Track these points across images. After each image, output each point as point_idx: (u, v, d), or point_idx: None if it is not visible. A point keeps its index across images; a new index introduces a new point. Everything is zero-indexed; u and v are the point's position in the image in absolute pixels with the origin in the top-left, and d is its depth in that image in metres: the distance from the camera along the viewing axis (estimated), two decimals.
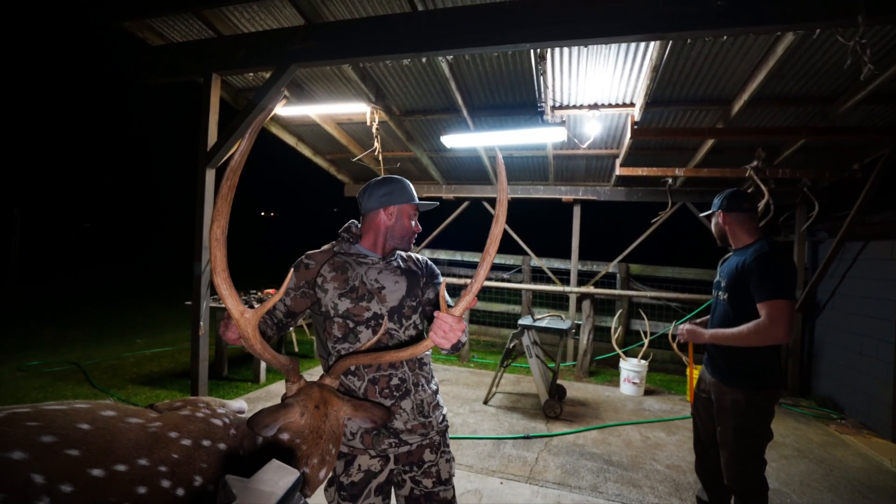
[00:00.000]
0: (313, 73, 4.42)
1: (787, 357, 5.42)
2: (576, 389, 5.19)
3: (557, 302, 7.15)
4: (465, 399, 4.69)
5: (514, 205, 6.68)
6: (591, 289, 5.87)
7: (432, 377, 1.60)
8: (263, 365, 5.02)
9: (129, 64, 3.94)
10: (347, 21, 3.27)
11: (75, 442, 0.89)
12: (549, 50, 3.49)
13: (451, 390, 4.96)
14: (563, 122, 4.28)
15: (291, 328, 1.61)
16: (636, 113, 4.09)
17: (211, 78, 3.68)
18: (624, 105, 4.24)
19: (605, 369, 6.19)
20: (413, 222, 1.61)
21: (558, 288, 6.18)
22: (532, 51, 3.57)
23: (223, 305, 4.63)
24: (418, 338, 1.54)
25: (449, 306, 1.41)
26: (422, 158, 6.01)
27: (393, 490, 1.55)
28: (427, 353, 1.56)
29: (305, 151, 6.38)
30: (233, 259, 1.30)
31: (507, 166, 6.17)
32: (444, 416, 1.59)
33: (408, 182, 1.63)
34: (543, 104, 4.20)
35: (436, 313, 1.17)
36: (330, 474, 1.19)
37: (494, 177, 6.37)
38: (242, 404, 1.41)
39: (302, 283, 1.50)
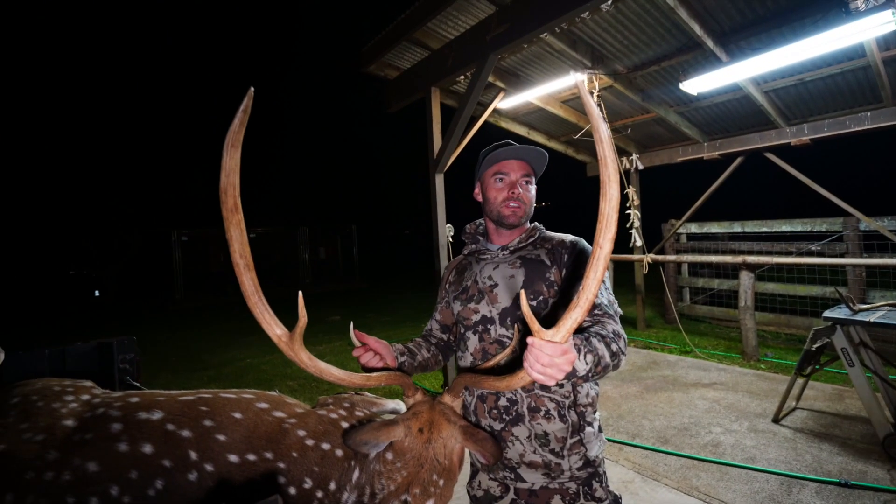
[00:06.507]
0: (524, 57, 4.29)
1: None
2: None
3: None
4: (743, 411, 3.63)
5: (814, 148, 4.81)
6: None
7: (575, 405, 1.19)
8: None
9: (377, 99, 4.79)
10: None
11: (225, 429, 1.07)
12: None
13: (724, 397, 3.94)
14: (887, 1, 2.75)
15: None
16: None
17: (430, 92, 4.06)
18: None
19: None
20: (499, 185, 1.26)
21: None
22: None
23: None
24: None
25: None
26: (668, 116, 5.03)
27: None
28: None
29: (539, 139, 6.32)
30: None
31: (796, 95, 4.45)
32: (589, 460, 1.18)
33: (495, 145, 1.28)
34: None
35: (528, 339, 0.84)
36: None
37: (780, 116, 4.69)
38: (397, 405, 1.42)
39: (443, 293, 1.45)
